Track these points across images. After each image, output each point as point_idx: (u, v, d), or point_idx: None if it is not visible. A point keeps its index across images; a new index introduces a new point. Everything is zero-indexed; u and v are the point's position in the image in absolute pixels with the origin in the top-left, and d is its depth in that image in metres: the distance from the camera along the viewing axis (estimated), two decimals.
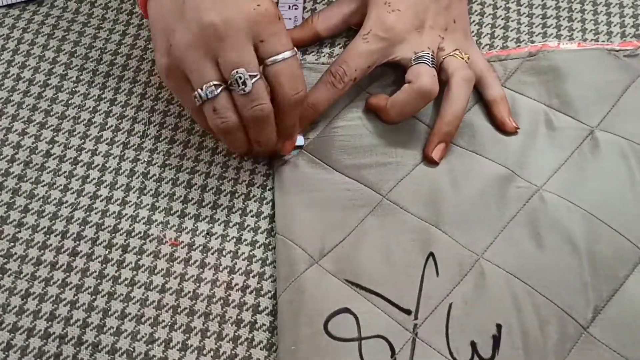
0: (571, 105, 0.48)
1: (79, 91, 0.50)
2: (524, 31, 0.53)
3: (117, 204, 0.45)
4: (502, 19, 0.54)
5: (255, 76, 0.39)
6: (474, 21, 0.54)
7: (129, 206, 0.45)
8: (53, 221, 0.44)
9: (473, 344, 0.39)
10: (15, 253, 0.43)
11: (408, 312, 0.40)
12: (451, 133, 0.45)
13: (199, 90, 0.40)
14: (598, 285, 0.40)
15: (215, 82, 0.39)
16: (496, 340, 0.39)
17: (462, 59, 0.46)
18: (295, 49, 0.41)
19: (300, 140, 0.46)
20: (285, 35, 0.41)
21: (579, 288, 0.40)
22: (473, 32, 0.53)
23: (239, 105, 0.40)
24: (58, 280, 0.42)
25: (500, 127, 0.47)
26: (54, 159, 0.46)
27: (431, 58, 0.45)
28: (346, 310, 0.40)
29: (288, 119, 0.42)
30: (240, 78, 0.39)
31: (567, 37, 0.52)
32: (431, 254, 0.42)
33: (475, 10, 0.54)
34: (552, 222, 0.42)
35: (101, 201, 0.45)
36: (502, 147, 0.46)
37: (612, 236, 0.42)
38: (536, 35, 0.53)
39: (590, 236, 0.41)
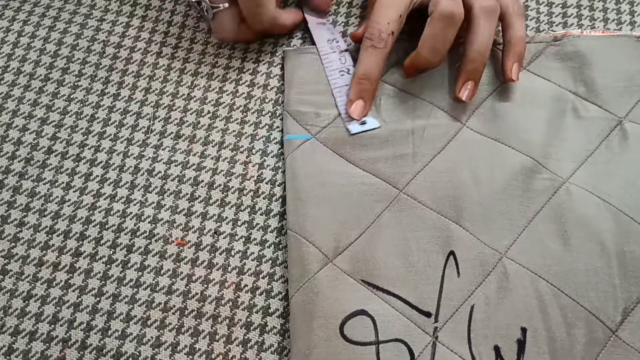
0: (598, 93, 0.45)
1: (81, 85, 0.48)
2: (543, 20, 0.51)
3: (122, 202, 0.43)
4: None
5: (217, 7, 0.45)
6: None
7: (134, 204, 0.43)
8: (55, 220, 0.42)
9: (497, 349, 0.36)
10: (17, 254, 0.41)
11: (428, 314, 0.38)
12: (478, 70, 0.44)
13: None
14: (628, 287, 0.38)
15: None
16: (521, 344, 0.36)
17: None
18: None
19: (372, 122, 0.45)
20: None
21: (608, 290, 0.38)
22: None
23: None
24: (61, 281, 0.40)
25: (502, 71, 0.45)
26: (55, 156, 0.45)
27: None
28: (363, 312, 0.38)
29: None
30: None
31: (589, 27, 0.50)
32: (452, 253, 0.40)
33: None
34: (579, 219, 0.40)
35: (105, 199, 0.43)
36: (525, 135, 0.44)
37: None
38: (556, 25, 0.50)
39: (619, 235, 0.39)
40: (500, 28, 0.46)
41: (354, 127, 0.45)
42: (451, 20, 0.43)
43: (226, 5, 0.45)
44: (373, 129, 0.45)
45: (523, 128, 0.44)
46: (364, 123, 0.45)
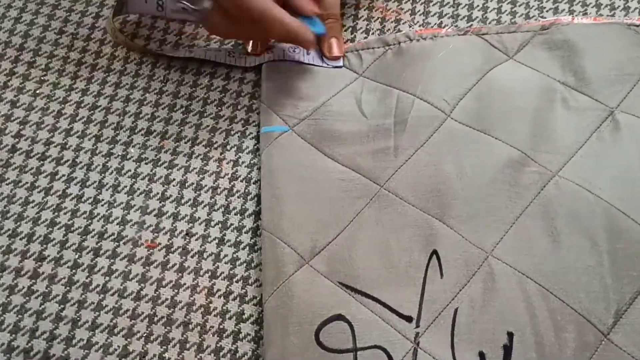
0: (589, 83, 0.43)
1: (47, 80, 0.46)
2: (533, 6, 0.48)
3: (89, 203, 0.41)
4: None
5: None
6: None
7: (102, 205, 0.41)
8: (18, 223, 0.40)
9: (481, 355, 0.34)
10: None
11: (409, 319, 0.35)
12: (334, 28, 0.45)
13: None
14: (620, 287, 0.36)
15: None
16: (507, 350, 0.34)
17: None
18: None
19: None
20: None
21: (599, 290, 0.36)
22: (478, 6, 0.48)
23: None
24: (23, 288, 0.38)
25: None
26: (19, 154, 0.42)
27: None
28: (340, 317, 0.36)
29: None
30: None
31: (581, 13, 0.48)
32: (435, 252, 0.37)
33: None
34: (569, 214, 0.38)
35: (71, 200, 0.41)
36: (513, 126, 0.41)
37: (636, 231, 0.37)
38: (547, 11, 0.48)
39: (611, 232, 0.37)
40: None
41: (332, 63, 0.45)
42: None
43: (208, 5, 0.42)
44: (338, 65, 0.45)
45: (510, 119, 0.42)
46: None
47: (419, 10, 0.48)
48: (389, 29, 0.47)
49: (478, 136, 0.41)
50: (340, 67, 0.45)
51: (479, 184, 0.39)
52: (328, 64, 0.45)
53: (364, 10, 0.48)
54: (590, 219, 0.38)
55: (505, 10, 0.48)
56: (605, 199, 0.38)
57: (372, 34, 0.47)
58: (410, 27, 0.47)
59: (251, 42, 0.45)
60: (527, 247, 0.37)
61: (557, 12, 0.48)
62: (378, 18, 0.48)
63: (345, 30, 0.47)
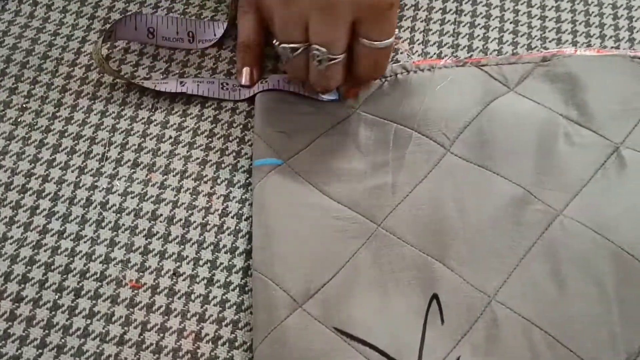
0: (592, 117, 0.42)
1: (30, 108, 0.43)
2: (535, 36, 0.47)
3: (70, 240, 0.39)
4: (511, 22, 0.48)
5: (334, 59, 0.38)
6: (479, 24, 0.48)
7: (84, 242, 0.39)
8: None
9: None
10: None
11: None
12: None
13: (280, 46, 0.39)
14: (629, 336, 0.34)
15: (295, 46, 0.38)
16: None
17: None
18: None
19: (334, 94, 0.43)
20: (392, 22, 0.38)
21: (607, 339, 0.34)
22: (479, 36, 0.47)
23: (310, 65, 0.39)
24: None
25: None
26: None
27: None
28: None
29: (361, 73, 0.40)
30: (318, 56, 0.38)
31: (585, 44, 0.46)
32: (435, 296, 0.36)
33: (481, 13, 0.48)
34: (575, 257, 0.36)
35: (51, 236, 0.39)
36: (516, 161, 0.40)
37: None
38: (550, 41, 0.47)
39: (620, 276, 0.35)
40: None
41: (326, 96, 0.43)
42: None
43: (342, 56, 0.39)
44: (333, 99, 0.43)
45: (512, 154, 0.40)
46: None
47: (418, 39, 0.47)
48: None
49: (479, 172, 0.40)
50: (336, 99, 0.43)
51: (481, 223, 0.38)
52: (323, 97, 0.43)
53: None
54: (597, 262, 0.36)
55: (507, 41, 0.47)
56: (613, 240, 0.37)
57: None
58: (408, 56, 0.46)
59: (245, 71, 0.43)
60: (532, 291, 0.36)
61: (560, 43, 0.46)
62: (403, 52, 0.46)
63: None
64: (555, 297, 0.35)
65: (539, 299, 0.35)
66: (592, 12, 0.48)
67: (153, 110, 0.44)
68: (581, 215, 0.38)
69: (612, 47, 0.46)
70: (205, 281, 0.38)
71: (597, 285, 0.35)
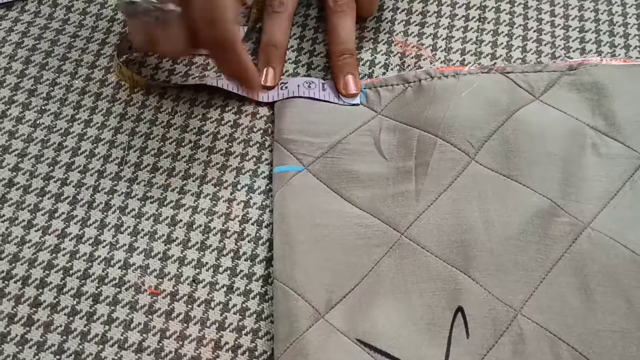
0: (620, 128, 0.41)
1: (49, 110, 0.43)
2: (559, 45, 0.46)
3: (89, 244, 0.38)
4: (535, 31, 0.47)
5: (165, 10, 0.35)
6: (502, 32, 0.47)
7: (103, 247, 0.38)
8: (13, 264, 0.37)
9: None
10: None
11: None
12: (349, 64, 0.44)
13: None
14: None
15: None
16: None
17: None
18: None
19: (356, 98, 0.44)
20: None
21: (637, 355, 0.33)
22: (502, 44, 0.46)
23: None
24: (16, 336, 0.35)
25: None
26: (17, 190, 0.40)
27: None
28: None
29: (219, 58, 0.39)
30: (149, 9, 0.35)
31: (609, 54, 0.46)
32: (460, 309, 0.35)
33: (504, 21, 0.48)
34: (603, 271, 0.36)
35: (70, 240, 0.38)
36: (542, 172, 0.39)
37: None
38: (574, 51, 0.46)
39: None
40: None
41: (344, 100, 0.43)
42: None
43: (177, 8, 0.35)
44: (355, 104, 0.43)
45: (538, 164, 0.40)
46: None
47: (441, 47, 0.46)
48: (408, 65, 0.45)
49: (505, 182, 0.39)
50: (357, 104, 0.43)
51: (507, 234, 0.37)
52: (344, 102, 0.43)
53: (383, 44, 0.46)
54: (625, 277, 0.35)
55: (531, 49, 0.46)
56: None
57: (391, 69, 0.45)
58: (431, 63, 0.45)
59: (268, 71, 0.44)
60: (559, 305, 0.35)
61: (584, 53, 0.46)
62: (397, 53, 0.46)
63: (363, 65, 0.45)
64: (583, 311, 0.35)
65: (566, 313, 0.35)
66: (617, 22, 0.48)
67: (173, 113, 0.43)
68: (609, 228, 0.37)
69: (637, 58, 0.46)
70: (225, 289, 0.37)
71: (626, 300, 0.35)
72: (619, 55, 0.46)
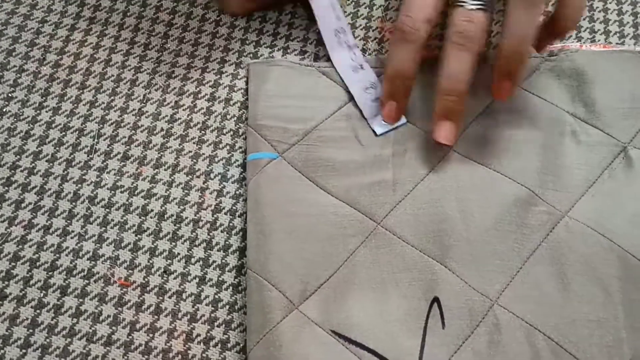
0: (600, 115, 0.40)
1: (16, 97, 0.42)
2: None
3: (57, 235, 0.37)
4: None
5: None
6: None
7: (71, 238, 0.37)
8: None
9: None
10: None
11: None
12: (450, 108, 0.37)
13: None
14: (635, 342, 0.33)
15: None
16: None
17: (468, 9, 0.37)
18: None
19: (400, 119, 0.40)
20: None
21: (613, 345, 0.33)
22: None
23: None
24: None
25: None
26: None
27: None
28: None
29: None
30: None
31: (589, 40, 0.45)
32: (436, 300, 0.34)
33: None
34: (580, 260, 0.35)
35: (37, 231, 0.37)
36: (520, 161, 0.39)
37: None
38: None
39: (626, 281, 0.34)
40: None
41: (380, 127, 0.40)
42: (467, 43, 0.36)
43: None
44: (401, 125, 0.40)
45: (517, 153, 0.39)
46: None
47: None
48: (386, 50, 0.44)
49: (483, 171, 0.38)
50: (404, 124, 0.41)
51: (484, 224, 0.36)
52: (385, 124, 0.40)
53: (361, 29, 0.45)
54: (603, 266, 0.35)
55: None
56: (620, 244, 0.35)
57: (369, 54, 0.44)
58: None
59: (391, 106, 0.40)
60: (536, 295, 0.34)
61: (564, 39, 0.45)
62: (375, 38, 0.45)
63: None
64: (559, 301, 0.34)
65: (543, 303, 0.34)
66: (597, 8, 0.47)
67: (145, 101, 0.42)
68: (587, 217, 0.37)
69: (616, 44, 0.45)
70: (197, 280, 0.36)
71: (602, 289, 0.34)
72: (599, 40, 0.45)
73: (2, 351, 0.34)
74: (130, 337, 0.34)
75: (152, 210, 0.38)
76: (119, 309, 0.35)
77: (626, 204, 0.37)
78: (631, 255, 0.35)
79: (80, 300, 0.35)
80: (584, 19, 0.46)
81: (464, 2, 0.37)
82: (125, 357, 0.34)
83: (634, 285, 0.34)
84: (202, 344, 0.34)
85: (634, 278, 0.34)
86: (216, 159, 0.40)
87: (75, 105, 0.42)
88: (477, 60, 0.37)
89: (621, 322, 0.33)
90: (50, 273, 0.36)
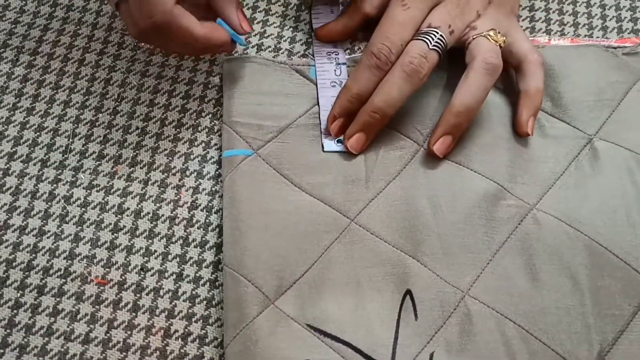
0: (566, 109, 0.41)
1: None
2: None
3: (33, 235, 0.37)
4: None
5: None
6: None
7: (47, 237, 0.37)
8: None
9: None
10: None
11: None
12: (460, 126, 0.38)
13: None
14: (603, 327, 0.34)
15: None
16: None
17: (495, 41, 0.39)
18: None
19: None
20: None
21: (581, 331, 0.34)
22: None
23: None
24: None
25: (514, 124, 0.40)
26: None
27: (435, 37, 0.38)
28: None
29: None
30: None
31: (558, 33, 0.46)
32: (408, 292, 0.35)
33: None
34: (548, 251, 0.36)
35: (13, 232, 0.37)
36: (489, 156, 0.39)
37: (618, 267, 0.35)
38: (524, 30, 0.46)
39: (593, 268, 0.35)
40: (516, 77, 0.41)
41: (329, 145, 0.40)
42: (493, 72, 0.38)
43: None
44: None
45: (485, 148, 0.40)
46: (341, 142, 0.40)
47: None
48: (359, 48, 0.45)
49: (454, 168, 0.39)
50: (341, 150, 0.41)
51: (454, 219, 0.37)
52: (330, 145, 0.40)
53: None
54: (570, 255, 0.36)
55: None
56: (586, 233, 0.36)
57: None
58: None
59: (359, 138, 0.40)
60: (506, 285, 0.35)
61: (534, 32, 0.46)
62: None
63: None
64: (528, 290, 0.35)
65: (513, 292, 0.35)
66: (565, 1, 0.48)
67: (119, 100, 0.42)
68: (554, 208, 0.38)
69: (585, 36, 0.46)
70: (175, 276, 0.37)
71: (570, 277, 0.35)
72: (568, 33, 0.46)
73: None
74: (108, 334, 0.35)
75: (128, 209, 0.38)
76: (97, 307, 0.35)
77: (592, 194, 0.38)
78: (597, 243, 0.36)
79: (58, 299, 0.36)
80: (554, 12, 0.47)
81: (426, 39, 0.38)
82: (104, 355, 0.34)
83: (600, 272, 0.35)
84: (180, 339, 0.35)
85: (600, 265, 0.35)
86: (192, 157, 0.40)
87: (50, 105, 0.42)
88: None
89: (589, 309, 0.35)
90: (26, 273, 0.36)
